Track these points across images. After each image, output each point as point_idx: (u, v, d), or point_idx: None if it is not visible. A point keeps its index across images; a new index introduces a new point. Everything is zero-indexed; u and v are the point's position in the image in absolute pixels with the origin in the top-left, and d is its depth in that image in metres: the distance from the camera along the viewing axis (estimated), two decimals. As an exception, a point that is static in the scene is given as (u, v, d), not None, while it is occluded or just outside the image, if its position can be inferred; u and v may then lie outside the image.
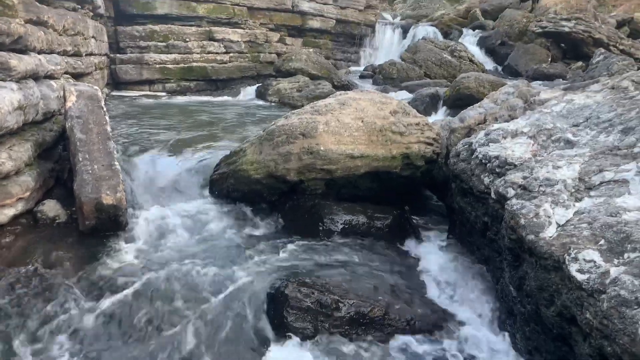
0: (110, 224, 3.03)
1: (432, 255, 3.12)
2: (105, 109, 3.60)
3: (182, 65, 9.06)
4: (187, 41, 9.12)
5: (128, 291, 2.47)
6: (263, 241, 3.12)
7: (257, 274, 2.63)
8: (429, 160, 3.66)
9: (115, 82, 8.46)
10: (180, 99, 8.36)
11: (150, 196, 3.75)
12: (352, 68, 12.44)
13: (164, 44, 8.83)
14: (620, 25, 13.25)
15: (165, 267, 2.70)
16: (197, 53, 9.25)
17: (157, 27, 8.77)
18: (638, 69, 8.05)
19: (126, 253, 2.85)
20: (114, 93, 8.17)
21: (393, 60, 10.79)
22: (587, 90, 3.13)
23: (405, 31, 13.43)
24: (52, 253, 2.74)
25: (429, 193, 4.21)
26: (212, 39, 9.52)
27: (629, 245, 1.61)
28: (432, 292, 2.71)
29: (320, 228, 3.23)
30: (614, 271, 1.54)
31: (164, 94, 8.80)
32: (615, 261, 1.59)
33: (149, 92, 8.70)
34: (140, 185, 3.85)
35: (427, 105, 7.35)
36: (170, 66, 8.89)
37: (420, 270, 2.94)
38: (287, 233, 3.25)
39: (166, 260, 2.79)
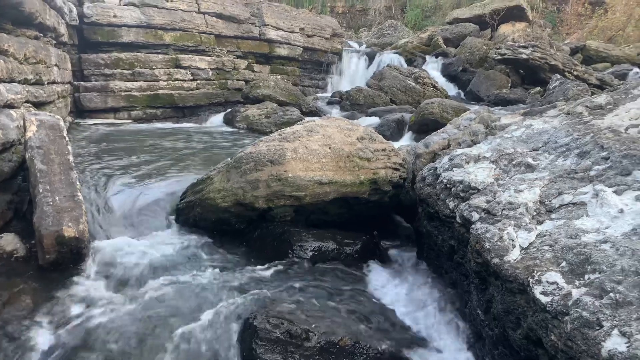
0: (72, 257, 2.92)
1: (402, 280, 3.13)
2: (67, 139, 3.52)
3: (148, 92, 8.98)
4: (154, 69, 9.07)
5: (88, 327, 2.37)
6: (231, 271, 3.07)
7: (224, 306, 2.57)
8: (396, 185, 3.71)
9: (80, 110, 8.30)
10: (146, 127, 8.27)
11: (115, 226, 3.66)
12: (320, 94, 12.59)
13: (129, 71, 8.76)
14: (573, 52, 13.91)
15: (129, 301, 2.62)
16: (164, 80, 9.21)
17: (122, 55, 8.70)
18: (592, 94, 8.44)
19: (88, 287, 2.75)
20: (78, 121, 8.01)
21: (360, 87, 10.98)
22: (544, 116, 3.26)
23: (370, 59, 13.73)
24: (8, 289, 2.62)
25: (398, 217, 4.25)
26: (179, 66, 9.50)
27: (589, 267, 1.66)
28: (402, 318, 2.71)
29: (290, 255, 3.21)
30: (575, 293, 1.58)
31: (129, 121, 8.69)
32: (577, 282, 1.63)
33: (114, 120, 8.57)
34: (104, 216, 3.76)
35: (393, 131, 7.49)
36: (136, 94, 8.80)
37: (390, 296, 2.94)
38: (256, 261, 3.21)
39: (130, 294, 2.71)
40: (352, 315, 2.57)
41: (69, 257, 2.91)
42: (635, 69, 12.29)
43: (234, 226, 3.54)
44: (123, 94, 8.65)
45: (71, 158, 3.36)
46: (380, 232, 3.76)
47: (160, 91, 9.15)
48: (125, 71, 8.71)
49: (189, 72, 9.63)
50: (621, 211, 1.90)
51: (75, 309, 2.53)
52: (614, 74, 11.70)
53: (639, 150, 2.15)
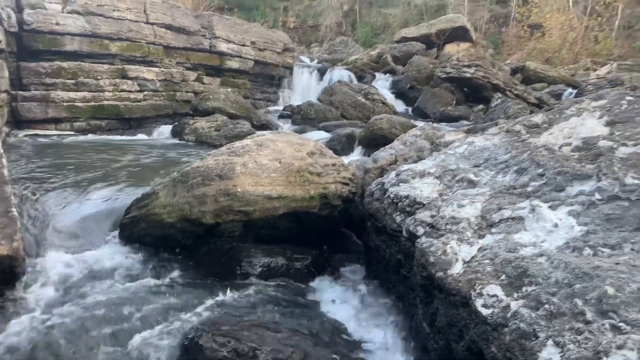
0: (5, 276, 2.74)
1: (352, 295, 3.15)
2: (2, 150, 3.33)
3: (92, 103, 8.67)
4: (99, 79, 8.77)
5: (21, 351, 2.23)
6: (176, 288, 2.98)
7: (169, 325, 2.50)
8: (346, 200, 3.75)
9: (17, 121, 7.89)
10: (90, 139, 7.97)
11: (54, 243, 3.48)
12: (272, 108, 12.60)
13: (72, 81, 8.43)
14: (514, 72, 14.64)
15: (67, 322, 2.49)
16: (109, 91, 8.92)
17: (65, 64, 8.37)
18: (530, 113, 8.89)
19: (21, 308, 2.60)
20: (16, 132, 7.61)
21: (311, 102, 11.08)
22: (486, 133, 3.39)
23: (322, 74, 13.90)
24: None
25: (348, 232, 4.28)
26: (125, 77, 9.24)
27: (526, 280, 1.73)
28: (352, 333, 2.71)
29: (238, 272, 3.15)
30: (514, 305, 1.64)
31: (72, 133, 8.34)
32: (515, 295, 1.69)
33: (55, 131, 8.21)
34: (42, 232, 3.56)
35: (344, 145, 7.59)
36: (79, 104, 8.47)
37: (340, 311, 2.94)
38: (203, 279, 3.14)
39: (68, 315, 2.57)
40: (301, 331, 2.55)
41: (2, 276, 2.73)
42: (570, 90, 13.09)
43: (180, 242, 3.45)
44: (65, 104, 8.30)
45: (5, 171, 3.18)
46: (330, 246, 3.77)
47: (106, 102, 8.85)
48: (68, 81, 8.38)
49: (136, 83, 9.38)
50: (556, 225, 2.00)
51: (6, 333, 2.37)
52: (550, 93, 12.41)
53: (571, 168, 2.28)
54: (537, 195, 2.25)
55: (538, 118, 3.06)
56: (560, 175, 2.28)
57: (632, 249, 1.67)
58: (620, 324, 1.37)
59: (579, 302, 1.49)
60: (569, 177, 2.23)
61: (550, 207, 2.12)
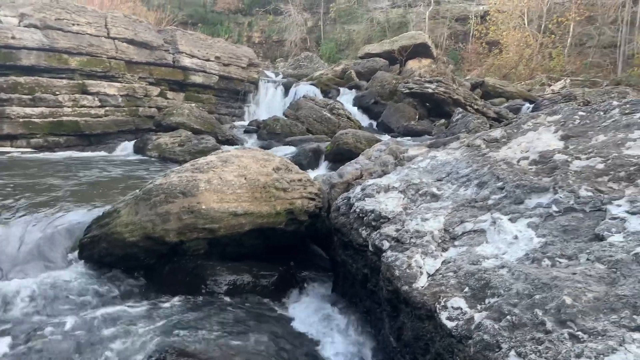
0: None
1: (319, 310, 3.13)
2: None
3: (50, 119, 8.42)
4: (57, 94, 8.54)
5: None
6: (139, 309, 2.90)
7: (131, 346, 2.42)
8: (313, 215, 3.75)
9: (-32, 137, 7.58)
10: (48, 156, 7.70)
11: (8, 266, 3.33)
12: (237, 123, 12.53)
13: (29, 96, 8.17)
14: (474, 87, 15.09)
15: (22, 350, 2.37)
16: (69, 107, 8.70)
17: (21, 79, 8.12)
18: (490, 127, 9.16)
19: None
20: (-33, 149, 7.30)
21: (277, 116, 11.08)
22: (447, 148, 3.48)
23: (287, 89, 13.95)
24: None
25: (315, 247, 4.27)
26: (85, 92, 9.03)
27: (489, 291, 1.76)
28: (319, 349, 2.70)
29: (204, 290, 3.10)
30: (477, 317, 1.67)
31: (29, 149, 8.06)
32: (479, 307, 1.73)
33: (11, 148, 7.92)
34: (-4, 255, 3.41)
35: (310, 160, 7.62)
36: (36, 120, 8.22)
37: (307, 327, 2.92)
38: (167, 298, 3.06)
39: (22, 339, 2.45)
40: (268, 349, 2.51)
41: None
42: (527, 104, 13.57)
43: (143, 261, 3.36)
44: (21, 120, 8.03)
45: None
46: (297, 262, 3.76)
47: (65, 118, 8.62)
48: (24, 96, 8.12)
49: (96, 99, 9.18)
50: (516, 237, 2.06)
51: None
52: (509, 108, 12.83)
53: (529, 181, 2.36)
54: (497, 208, 2.31)
55: (497, 133, 3.16)
56: (519, 189, 2.35)
57: (588, 259, 1.74)
58: (578, 332, 1.41)
59: (539, 313, 1.53)
60: (527, 190, 2.30)
61: (510, 219, 2.18)
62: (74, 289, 3.11)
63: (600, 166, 2.24)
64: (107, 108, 9.37)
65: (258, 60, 15.07)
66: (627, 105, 2.70)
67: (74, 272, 3.35)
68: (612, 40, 22.91)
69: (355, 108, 13.01)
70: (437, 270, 2.06)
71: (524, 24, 24.01)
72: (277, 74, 17.34)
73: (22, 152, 7.78)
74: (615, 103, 2.84)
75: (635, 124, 2.48)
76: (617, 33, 22.59)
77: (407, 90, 12.25)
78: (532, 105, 13.23)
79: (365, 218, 2.80)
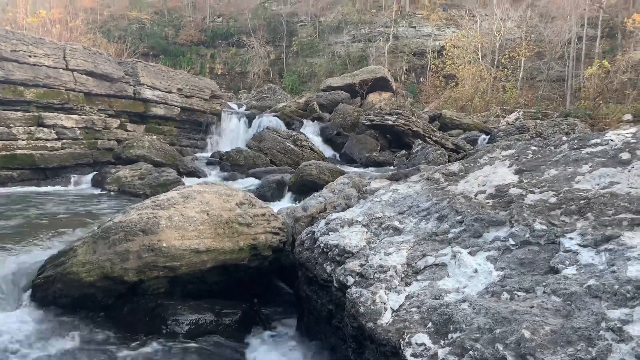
0: None
1: (282, 348, 3.08)
2: None
3: (3, 152, 8.13)
4: (11, 127, 8.27)
5: None
6: (95, 352, 2.77)
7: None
8: (277, 250, 3.72)
9: None
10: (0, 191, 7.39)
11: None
12: (199, 154, 12.43)
13: (-20, 129, 7.88)
14: (432, 119, 15.57)
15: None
16: (23, 140, 8.42)
17: (-28, 111, 7.84)
18: (449, 158, 9.44)
19: None
20: None
21: (240, 148, 11.07)
22: (408, 181, 3.55)
23: (250, 120, 14.01)
24: None
25: (280, 283, 4.22)
26: (42, 124, 8.79)
27: (452, 326, 1.78)
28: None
29: (164, 331, 3.00)
30: (441, 352, 1.68)
31: (-22, 184, 7.72)
32: (442, 342, 1.74)
33: (-42, 183, 7.56)
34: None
35: (274, 192, 7.60)
36: (-13, 154, 7.90)
37: (271, 366, 2.87)
38: (126, 340, 2.94)
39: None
40: (232, 392, 2.44)
41: None
42: (483, 135, 14.08)
43: (100, 302, 3.24)
44: (-29, 154, 7.71)
45: None
46: (261, 298, 3.70)
47: (19, 151, 8.33)
48: (-25, 129, 7.82)
49: (53, 131, 8.94)
50: (476, 271, 2.10)
51: None
52: (466, 139, 13.27)
53: (487, 215, 2.43)
54: (457, 242, 2.37)
55: (455, 166, 3.26)
56: (478, 222, 2.41)
57: (544, 292, 1.79)
58: (538, 366, 1.44)
59: (500, 347, 1.56)
60: (485, 224, 2.37)
61: (470, 252, 2.23)
62: (23, 333, 2.95)
63: (553, 200, 2.34)
64: (64, 141, 9.12)
65: (221, 92, 15.10)
66: (575, 141, 2.85)
67: (25, 315, 3.19)
68: (560, 74, 24.30)
69: (319, 139, 13.17)
70: (400, 306, 2.07)
71: (479, 59, 25.14)
72: (240, 106, 17.39)
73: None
74: (564, 138, 2.99)
75: (584, 158, 2.61)
76: (564, 68, 23.98)
77: (369, 122, 12.52)
78: (487, 137, 13.72)
79: (329, 253, 2.80)
